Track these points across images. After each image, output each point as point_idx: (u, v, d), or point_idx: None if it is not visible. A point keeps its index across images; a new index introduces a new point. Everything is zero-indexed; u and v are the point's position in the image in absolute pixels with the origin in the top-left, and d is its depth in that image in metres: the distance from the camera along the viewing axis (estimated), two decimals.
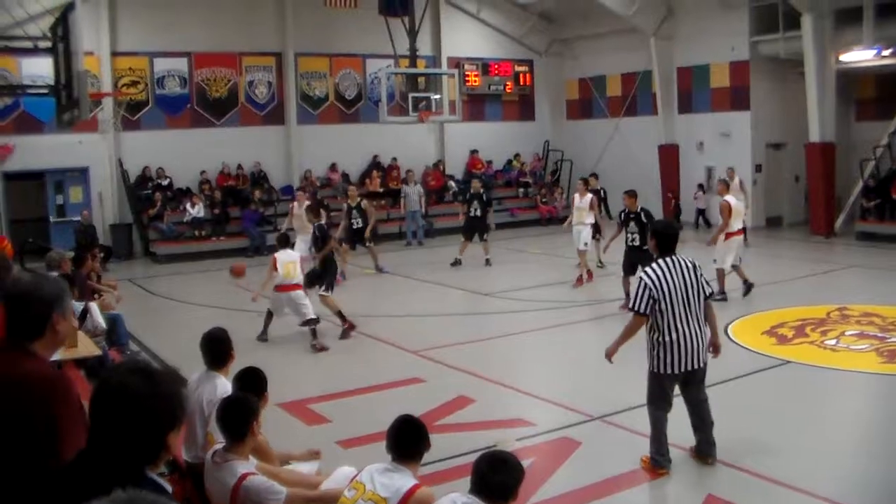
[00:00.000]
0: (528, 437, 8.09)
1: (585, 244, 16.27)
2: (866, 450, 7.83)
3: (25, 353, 3.31)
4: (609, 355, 7.30)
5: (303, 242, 16.36)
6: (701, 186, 25.34)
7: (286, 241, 13.42)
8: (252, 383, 5.37)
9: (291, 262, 12.52)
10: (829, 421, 8.54)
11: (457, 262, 18.91)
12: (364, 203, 18.68)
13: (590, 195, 16.84)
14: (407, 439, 4.55)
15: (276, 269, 12.24)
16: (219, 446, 4.93)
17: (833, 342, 11.29)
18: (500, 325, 13.30)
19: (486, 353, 11.81)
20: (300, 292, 12.40)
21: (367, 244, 18.42)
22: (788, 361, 10.49)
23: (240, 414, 4.84)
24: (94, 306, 10.35)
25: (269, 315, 12.65)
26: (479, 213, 19.27)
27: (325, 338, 12.28)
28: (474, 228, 19.14)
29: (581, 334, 12.71)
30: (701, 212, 25.11)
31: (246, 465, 4.77)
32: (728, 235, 14.31)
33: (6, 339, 3.40)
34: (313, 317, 12.31)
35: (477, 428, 8.37)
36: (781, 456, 7.42)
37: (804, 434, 8.03)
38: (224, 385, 5.61)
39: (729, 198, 14.66)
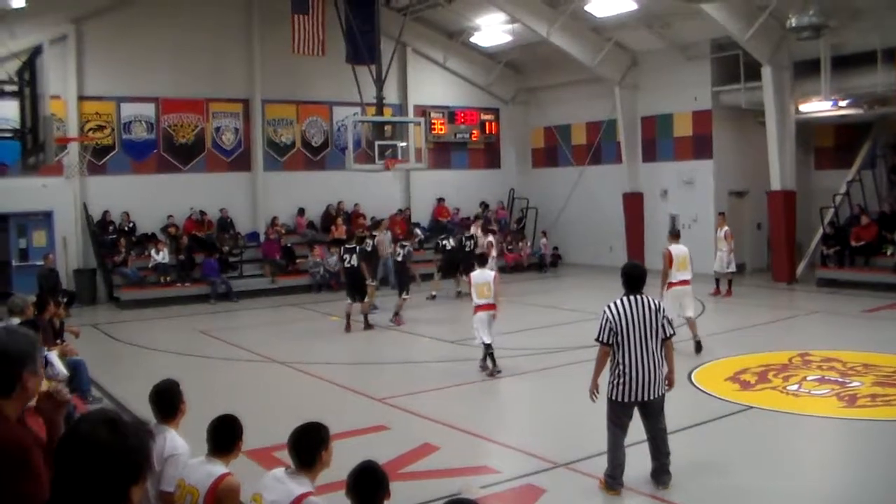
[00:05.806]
0: (493, 485, 8.07)
1: None
2: (827, 494, 7.89)
3: None
4: (590, 391, 7.77)
5: None
6: (544, 233, 27.71)
7: (483, 261, 13.63)
8: (227, 431, 5.29)
9: (482, 283, 12.79)
10: (790, 466, 8.59)
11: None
12: (368, 240, 19.04)
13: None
14: (367, 487, 4.52)
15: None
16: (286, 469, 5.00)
17: (795, 387, 11.39)
18: (465, 373, 13.23)
19: (452, 400, 11.78)
20: (483, 315, 12.72)
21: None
22: (751, 407, 10.56)
23: (311, 441, 4.96)
24: (52, 356, 10.05)
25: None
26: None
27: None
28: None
29: (546, 381, 12.70)
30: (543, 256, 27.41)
31: (310, 486, 4.84)
32: (670, 285, 13.79)
33: None
34: (485, 342, 12.68)
35: (441, 475, 8.34)
36: (745, 501, 7.46)
37: (767, 479, 8.06)
38: (174, 439, 5.40)
39: (673, 246, 14.12)
